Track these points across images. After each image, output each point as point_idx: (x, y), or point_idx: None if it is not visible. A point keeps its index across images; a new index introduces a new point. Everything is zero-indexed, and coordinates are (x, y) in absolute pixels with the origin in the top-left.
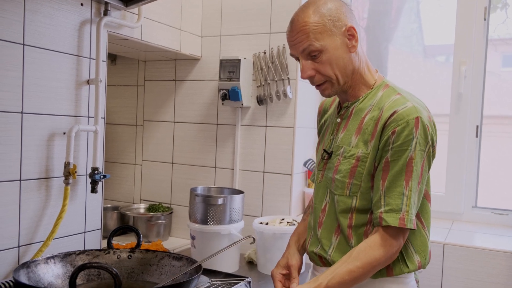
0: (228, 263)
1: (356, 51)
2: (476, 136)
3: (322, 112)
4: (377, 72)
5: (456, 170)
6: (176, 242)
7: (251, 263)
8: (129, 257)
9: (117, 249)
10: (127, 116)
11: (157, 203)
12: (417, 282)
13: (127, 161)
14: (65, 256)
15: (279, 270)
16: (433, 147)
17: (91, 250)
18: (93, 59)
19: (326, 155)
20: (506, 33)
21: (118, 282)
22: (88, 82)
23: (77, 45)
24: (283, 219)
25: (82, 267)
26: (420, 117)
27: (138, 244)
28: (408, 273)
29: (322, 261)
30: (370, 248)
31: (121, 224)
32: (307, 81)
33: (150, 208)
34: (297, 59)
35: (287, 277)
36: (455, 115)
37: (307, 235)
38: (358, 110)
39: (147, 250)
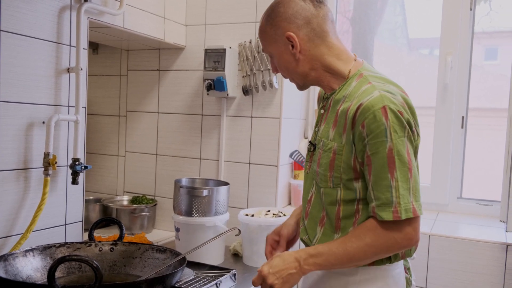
0: (213, 255)
1: (306, 54)
2: (462, 127)
3: (319, 100)
4: (356, 59)
5: (442, 161)
6: (160, 235)
7: (236, 255)
8: (111, 249)
9: (99, 241)
10: (110, 107)
11: (141, 195)
12: (407, 269)
13: (110, 153)
14: (45, 249)
15: (273, 235)
16: (412, 131)
17: (72, 242)
18: (74, 46)
19: (312, 147)
20: (489, 26)
21: (99, 275)
22: (68, 70)
23: (56, 32)
24: (268, 211)
25: (62, 260)
26: (387, 106)
27: (121, 237)
28: (390, 264)
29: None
30: (368, 230)
31: (104, 216)
32: None
33: (134, 200)
34: None
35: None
36: (441, 106)
37: (300, 222)
38: (335, 102)
39: (130, 243)
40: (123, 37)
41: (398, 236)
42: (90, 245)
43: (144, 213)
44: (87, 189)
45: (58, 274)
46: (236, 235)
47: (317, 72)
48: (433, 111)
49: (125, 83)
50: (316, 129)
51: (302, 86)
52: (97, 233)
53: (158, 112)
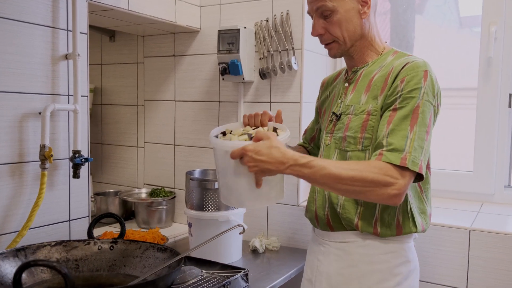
0: (229, 252)
1: (367, 18)
2: (509, 106)
3: (325, 85)
4: (386, 43)
5: (486, 145)
6: (177, 229)
7: (255, 252)
8: (111, 248)
9: (98, 239)
10: (127, 96)
11: (160, 188)
12: None
13: (129, 144)
14: (39, 248)
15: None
16: (439, 103)
17: (69, 240)
18: (71, 31)
19: (335, 117)
20: None
21: (69, 283)
22: (66, 57)
23: (51, 16)
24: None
25: (26, 266)
26: (429, 71)
27: (122, 234)
28: (415, 233)
29: (330, 225)
30: (369, 164)
31: (124, 209)
32: (314, 51)
33: (152, 193)
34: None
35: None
36: (484, 83)
37: (309, 196)
38: (367, 73)
39: (131, 241)
40: (131, 21)
41: (392, 182)
42: (88, 243)
43: (161, 207)
44: (108, 182)
45: (45, 276)
46: (240, 233)
47: (365, 40)
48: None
49: (142, 71)
50: (340, 100)
51: (342, 51)
52: (111, 228)
53: (175, 100)
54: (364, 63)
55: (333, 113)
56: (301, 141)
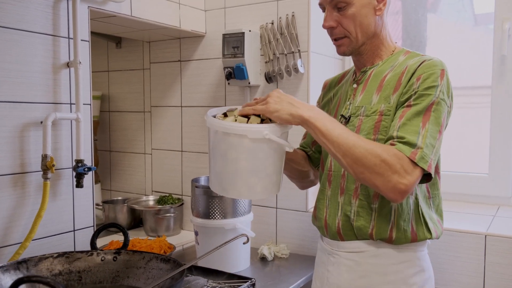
0: (236, 261)
1: (381, 15)
2: None
3: (327, 87)
4: (396, 43)
5: (502, 146)
6: (186, 237)
7: (264, 259)
8: (115, 259)
9: (101, 250)
10: (134, 103)
11: (167, 195)
12: None
13: (136, 151)
14: (41, 260)
15: None
16: (451, 106)
17: (72, 252)
18: (72, 39)
19: (344, 120)
20: None
21: None
22: (68, 65)
23: (52, 24)
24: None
25: (20, 282)
26: (445, 71)
27: (125, 245)
28: (429, 239)
29: (340, 234)
30: (381, 145)
31: (132, 217)
32: (320, 53)
33: (160, 201)
34: (324, 10)
35: None
36: (498, 82)
37: (319, 203)
38: (377, 73)
39: (134, 251)
40: (135, 27)
41: (402, 173)
42: (91, 254)
43: (169, 214)
44: (116, 189)
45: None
46: (244, 243)
47: (377, 39)
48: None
49: (148, 77)
50: (348, 102)
51: (352, 49)
52: (119, 236)
53: (181, 106)
54: (374, 63)
55: (342, 115)
56: (300, 146)
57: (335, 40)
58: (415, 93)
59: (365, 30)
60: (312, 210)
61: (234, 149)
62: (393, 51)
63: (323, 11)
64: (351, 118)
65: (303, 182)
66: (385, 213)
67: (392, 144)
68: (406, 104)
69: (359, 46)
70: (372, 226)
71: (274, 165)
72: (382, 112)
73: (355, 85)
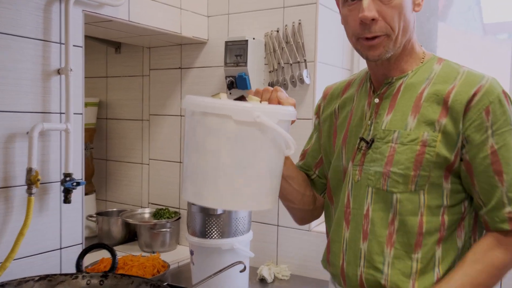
0: (234, 283)
1: (416, 14)
2: None
3: (328, 97)
4: (421, 46)
5: None
6: (182, 253)
7: (263, 281)
8: (101, 283)
9: (87, 272)
10: (133, 110)
11: (164, 208)
12: None
13: (134, 160)
14: (20, 284)
15: None
16: None
17: (55, 274)
18: (64, 44)
19: (365, 144)
20: None
21: None
22: (59, 72)
23: (42, 28)
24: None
25: None
26: (503, 89)
27: (113, 267)
28: None
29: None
30: (489, 249)
31: (127, 230)
32: (328, 63)
33: (156, 214)
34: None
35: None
36: None
37: (332, 246)
38: (409, 86)
39: (122, 275)
40: (133, 32)
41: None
42: (76, 277)
43: (165, 229)
44: (112, 200)
45: None
46: (241, 271)
47: (409, 42)
48: None
49: (147, 84)
50: (369, 121)
51: (388, 51)
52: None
53: (180, 115)
54: (402, 72)
55: (362, 139)
56: (298, 167)
57: (371, 39)
58: (493, 133)
59: (406, 28)
60: (315, 229)
61: (215, 136)
62: (423, 58)
63: (342, 5)
64: (376, 143)
65: (304, 212)
66: (428, 257)
67: (509, 219)
68: (490, 150)
69: (396, 49)
70: (413, 280)
71: (269, 163)
72: (425, 142)
73: (377, 100)
